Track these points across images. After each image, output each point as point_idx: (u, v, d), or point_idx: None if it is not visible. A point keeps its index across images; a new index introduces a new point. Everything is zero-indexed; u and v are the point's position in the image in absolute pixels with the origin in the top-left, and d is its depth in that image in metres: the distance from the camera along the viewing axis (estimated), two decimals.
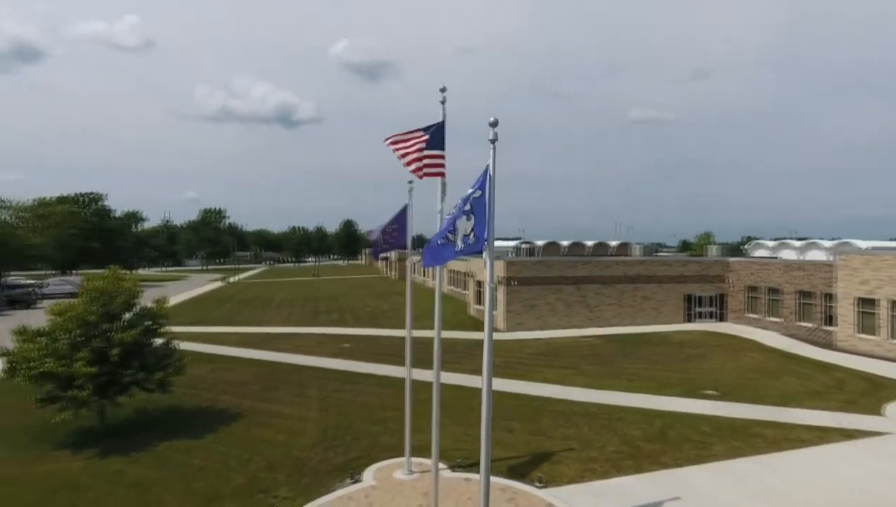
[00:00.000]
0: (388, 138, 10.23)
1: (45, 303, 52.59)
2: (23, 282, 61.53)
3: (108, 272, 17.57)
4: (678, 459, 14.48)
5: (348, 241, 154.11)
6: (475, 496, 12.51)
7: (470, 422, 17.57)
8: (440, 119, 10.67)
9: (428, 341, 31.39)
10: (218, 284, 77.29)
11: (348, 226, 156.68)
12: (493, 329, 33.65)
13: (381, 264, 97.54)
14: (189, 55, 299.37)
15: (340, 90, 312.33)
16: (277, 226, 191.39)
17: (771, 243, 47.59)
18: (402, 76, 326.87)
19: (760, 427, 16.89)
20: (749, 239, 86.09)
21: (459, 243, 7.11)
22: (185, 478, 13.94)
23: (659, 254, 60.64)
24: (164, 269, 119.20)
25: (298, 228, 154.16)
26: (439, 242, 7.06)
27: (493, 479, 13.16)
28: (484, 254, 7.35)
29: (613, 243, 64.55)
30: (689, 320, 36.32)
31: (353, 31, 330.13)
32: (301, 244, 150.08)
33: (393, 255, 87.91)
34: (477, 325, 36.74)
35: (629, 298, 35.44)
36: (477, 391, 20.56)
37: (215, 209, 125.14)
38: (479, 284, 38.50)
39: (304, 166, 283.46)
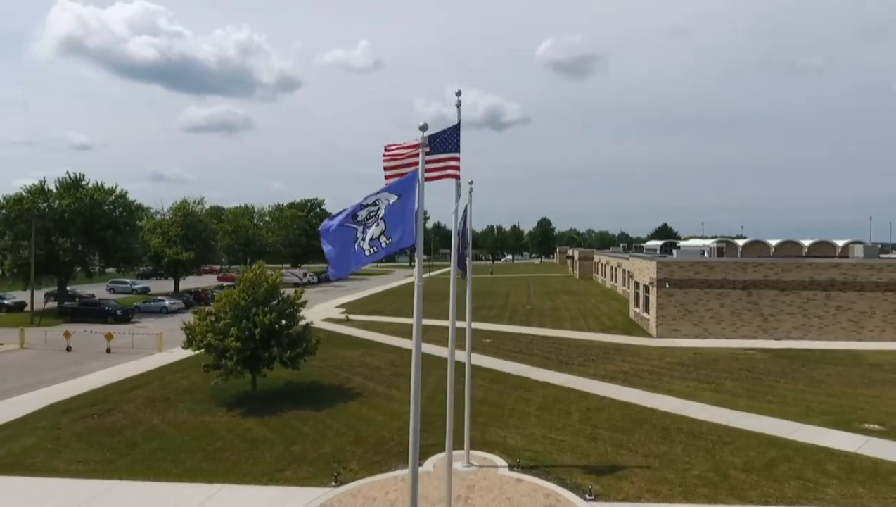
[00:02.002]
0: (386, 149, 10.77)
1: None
2: None
3: (256, 266, 21.23)
4: (768, 496, 12.36)
5: (543, 239, 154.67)
6: (515, 497, 12.50)
7: (558, 426, 17.22)
8: (455, 122, 10.98)
9: (562, 341, 31.16)
10: (412, 279, 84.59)
11: (544, 224, 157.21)
12: (645, 334, 31.88)
13: (568, 263, 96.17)
14: (409, 70, 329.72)
15: (546, 89, 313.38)
16: (480, 225, 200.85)
17: None
18: (609, 68, 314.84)
19: None
20: None
21: (368, 249, 7.49)
22: (289, 441, 16.39)
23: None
24: (377, 264, 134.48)
25: (495, 227, 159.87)
26: (355, 249, 7.47)
27: (541, 483, 13.05)
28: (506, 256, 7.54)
29: (840, 243, 54.17)
30: None
31: (556, 28, 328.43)
32: (497, 243, 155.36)
33: (576, 253, 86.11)
34: (630, 328, 34.59)
35: (818, 307, 29.77)
36: (586, 396, 20.03)
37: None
38: (638, 285, 36.10)
39: (510, 166, 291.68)
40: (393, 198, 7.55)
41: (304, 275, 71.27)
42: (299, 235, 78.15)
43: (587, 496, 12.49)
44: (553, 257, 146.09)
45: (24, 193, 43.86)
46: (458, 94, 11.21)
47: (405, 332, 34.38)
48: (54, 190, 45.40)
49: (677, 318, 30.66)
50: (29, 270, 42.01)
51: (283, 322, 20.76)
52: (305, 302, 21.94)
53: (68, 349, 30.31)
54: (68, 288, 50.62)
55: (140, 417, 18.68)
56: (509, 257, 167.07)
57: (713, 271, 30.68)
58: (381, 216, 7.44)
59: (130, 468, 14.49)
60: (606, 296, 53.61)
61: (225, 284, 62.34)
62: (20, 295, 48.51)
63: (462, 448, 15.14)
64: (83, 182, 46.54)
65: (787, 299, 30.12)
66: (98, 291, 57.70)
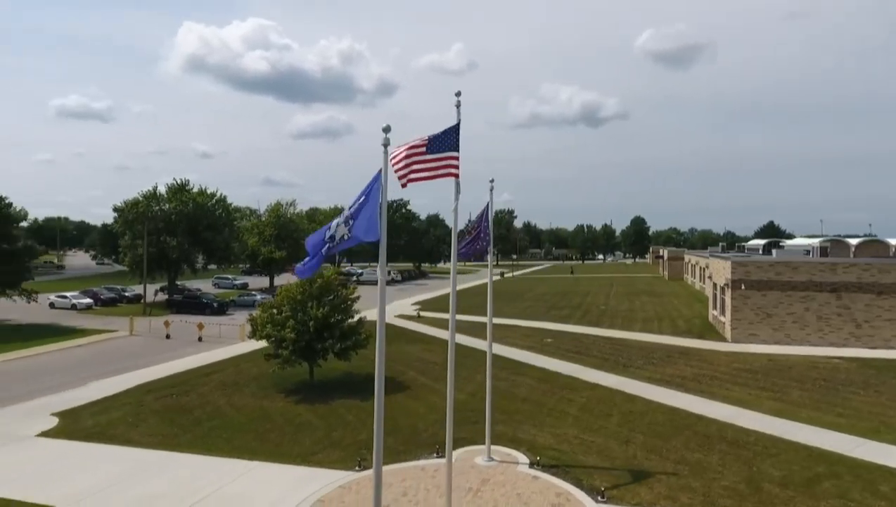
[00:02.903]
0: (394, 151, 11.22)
1: (360, 288, 67.74)
2: (346, 270, 79.28)
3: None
4: None
5: (637, 239, 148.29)
6: (525, 493, 12.62)
7: (594, 427, 16.96)
8: (455, 121, 11.30)
9: (627, 343, 30.77)
10: (496, 278, 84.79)
11: (637, 223, 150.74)
12: (720, 338, 30.84)
13: (658, 264, 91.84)
14: (503, 71, 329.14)
15: (646, 82, 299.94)
16: (570, 223, 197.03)
17: None
18: (715, 57, 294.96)
19: None
20: None
21: (327, 243, 8.05)
22: (330, 427, 17.49)
23: None
24: (465, 263, 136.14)
25: (586, 226, 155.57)
26: (322, 250, 8.08)
27: (556, 482, 13.11)
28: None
29: None
30: None
31: (657, 19, 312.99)
32: (587, 242, 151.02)
33: (666, 253, 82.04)
34: (704, 332, 32.67)
35: None
36: (633, 399, 19.47)
37: (506, 210, 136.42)
38: (716, 287, 34.00)
39: (606, 164, 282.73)
40: (361, 198, 8.10)
41: (388, 273, 73.77)
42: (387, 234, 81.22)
43: (599, 497, 12.31)
44: (647, 258, 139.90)
45: (139, 197, 49.49)
46: (458, 94, 11.55)
47: (469, 329, 34.84)
48: (164, 194, 50.71)
49: (754, 322, 28.55)
50: (149, 265, 47.31)
51: (339, 317, 22.02)
52: (358, 297, 23.10)
53: (167, 337, 33.87)
54: (178, 283, 56.22)
55: (209, 398, 20.67)
56: (600, 257, 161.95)
57: (797, 272, 28.23)
58: (348, 214, 8.01)
59: (189, 443, 16.20)
60: (691, 298, 50.78)
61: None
62: (138, 288, 54.65)
63: (493, 444, 15.39)
64: (188, 187, 51.63)
65: (886, 303, 27.05)
66: (205, 286, 63.48)
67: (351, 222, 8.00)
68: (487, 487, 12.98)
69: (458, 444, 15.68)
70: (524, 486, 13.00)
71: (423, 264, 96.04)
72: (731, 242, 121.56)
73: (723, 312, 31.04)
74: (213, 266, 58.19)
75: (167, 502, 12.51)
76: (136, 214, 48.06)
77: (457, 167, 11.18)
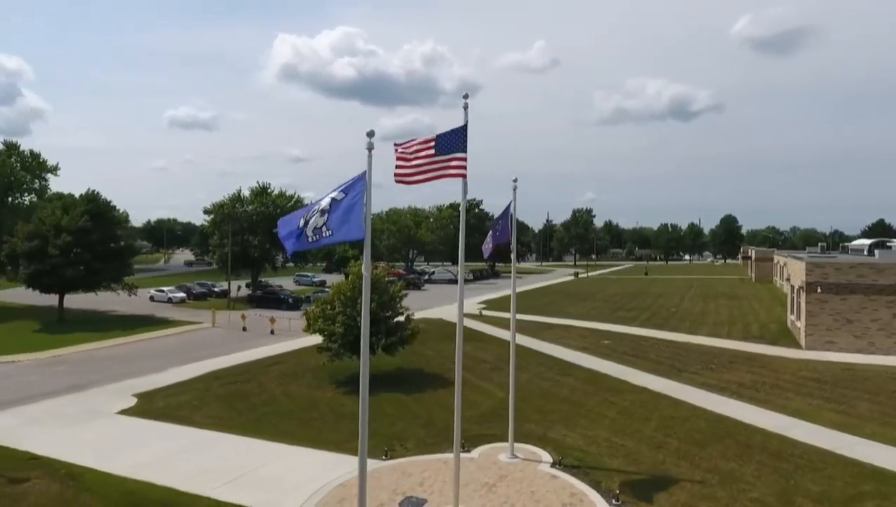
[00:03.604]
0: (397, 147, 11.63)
1: (428, 286, 69.13)
2: (418, 270, 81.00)
3: (358, 264, 23.65)
4: None
5: (727, 238, 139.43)
6: (539, 491, 12.73)
7: (628, 431, 16.64)
8: (463, 122, 11.59)
9: (688, 347, 30.18)
10: (569, 278, 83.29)
11: (728, 222, 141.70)
12: (795, 345, 29.71)
13: (746, 265, 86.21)
14: (587, 66, 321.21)
15: (743, 72, 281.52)
16: (653, 222, 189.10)
17: None
18: (823, 42, 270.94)
19: None
20: None
21: (311, 236, 8.61)
22: (370, 419, 18.21)
23: None
24: (541, 263, 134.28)
25: (670, 225, 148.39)
26: (297, 232, 8.68)
27: (574, 483, 13.20)
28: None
29: None
30: None
31: (754, 3, 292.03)
32: (671, 242, 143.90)
33: (753, 254, 76.88)
34: (778, 338, 30.54)
35: None
36: (679, 405, 18.83)
37: (585, 209, 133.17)
38: (793, 289, 31.68)
39: (696, 159, 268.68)
40: (341, 196, 8.65)
41: None
42: (455, 234, 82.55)
43: (613, 500, 12.17)
44: (739, 259, 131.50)
45: (225, 200, 53.50)
46: (466, 96, 11.82)
47: (527, 329, 34.73)
48: (248, 197, 54.47)
49: (833, 328, 26.35)
50: (233, 263, 51.12)
51: (386, 313, 22.89)
52: (405, 295, 23.86)
53: (244, 330, 36.49)
54: (262, 279, 60.12)
55: (267, 387, 22.23)
56: (686, 257, 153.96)
57: (882, 275, 25.72)
58: (325, 210, 8.59)
59: (242, 426, 17.60)
60: (775, 302, 47.40)
61: (390, 278, 68.40)
62: (227, 284, 59.02)
63: (521, 442, 15.54)
64: (269, 190, 55.13)
65: None
66: (286, 282, 67.34)
67: (326, 217, 8.54)
68: (504, 483, 13.18)
69: (486, 440, 16.04)
70: (540, 484, 13.07)
71: (496, 264, 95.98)
72: (837, 241, 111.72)
73: (798, 316, 28.90)
74: (290, 264, 61.64)
75: (210, 476, 13.77)
76: (222, 215, 51.97)
77: (464, 168, 11.46)
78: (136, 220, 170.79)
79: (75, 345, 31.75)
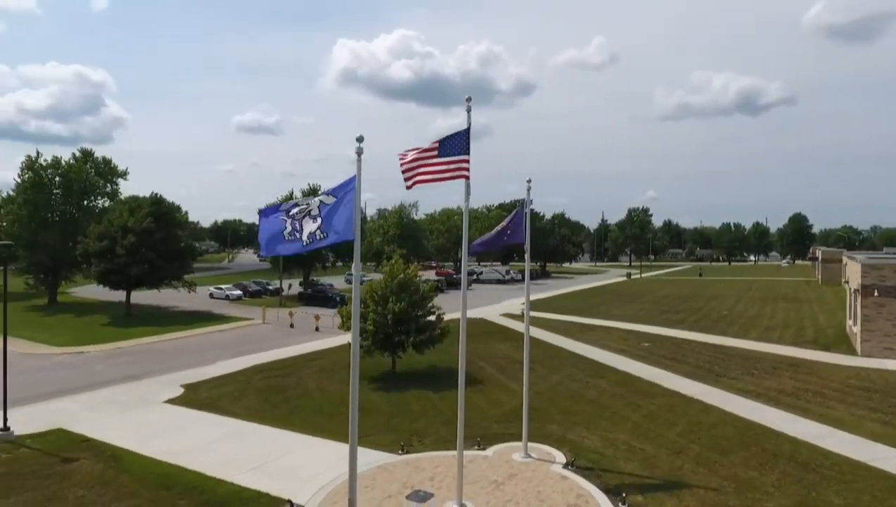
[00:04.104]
0: (401, 157, 11.96)
1: (475, 286, 69.29)
2: (473, 270, 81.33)
3: (392, 261, 24.26)
4: None
5: (796, 238, 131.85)
6: (545, 491, 12.84)
7: (650, 435, 16.43)
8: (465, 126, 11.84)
9: (731, 351, 29.73)
10: (621, 279, 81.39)
11: (797, 221, 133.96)
12: (850, 351, 28.92)
13: (813, 266, 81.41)
14: (649, 61, 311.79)
15: (818, 62, 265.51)
16: (715, 221, 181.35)
17: None
18: None
19: None
20: None
21: (305, 240, 9.03)
22: (393, 414, 18.82)
23: None
24: (595, 264, 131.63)
25: (733, 224, 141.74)
26: (285, 237, 9.10)
27: (582, 484, 13.27)
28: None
29: None
30: None
31: None
32: (734, 242, 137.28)
33: (819, 254, 72.52)
34: (833, 344, 28.86)
35: None
36: (708, 410, 18.34)
37: (640, 208, 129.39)
38: (850, 292, 29.85)
39: (765, 154, 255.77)
40: (330, 200, 9.09)
41: (507, 273, 74.51)
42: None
43: (621, 503, 12.09)
44: (808, 260, 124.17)
45: (278, 201, 55.70)
46: (469, 99, 12.05)
47: (568, 331, 34.42)
48: (299, 198, 56.49)
49: (891, 334, 24.65)
50: (284, 263, 53.25)
51: (417, 312, 23.37)
52: (436, 294, 24.26)
53: (291, 326, 38.00)
54: (314, 278, 62.21)
55: (304, 381, 23.18)
56: (751, 258, 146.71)
57: None
58: (315, 214, 9.04)
59: (274, 417, 18.50)
60: (839, 305, 44.58)
61: (439, 277, 69.24)
62: (280, 282, 61.47)
63: (539, 443, 15.62)
64: (318, 191, 56.92)
65: None
66: (338, 281, 69.33)
67: (320, 222, 8.98)
68: (512, 481, 13.32)
69: (504, 440, 16.20)
70: (549, 484, 13.13)
71: (547, 264, 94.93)
72: None
73: (855, 321, 27.24)
74: (340, 264, 63.45)
75: (237, 463, 14.63)
76: None
77: (468, 170, 11.70)
78: (205, 220, 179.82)
79: (137, 338, 34.10)
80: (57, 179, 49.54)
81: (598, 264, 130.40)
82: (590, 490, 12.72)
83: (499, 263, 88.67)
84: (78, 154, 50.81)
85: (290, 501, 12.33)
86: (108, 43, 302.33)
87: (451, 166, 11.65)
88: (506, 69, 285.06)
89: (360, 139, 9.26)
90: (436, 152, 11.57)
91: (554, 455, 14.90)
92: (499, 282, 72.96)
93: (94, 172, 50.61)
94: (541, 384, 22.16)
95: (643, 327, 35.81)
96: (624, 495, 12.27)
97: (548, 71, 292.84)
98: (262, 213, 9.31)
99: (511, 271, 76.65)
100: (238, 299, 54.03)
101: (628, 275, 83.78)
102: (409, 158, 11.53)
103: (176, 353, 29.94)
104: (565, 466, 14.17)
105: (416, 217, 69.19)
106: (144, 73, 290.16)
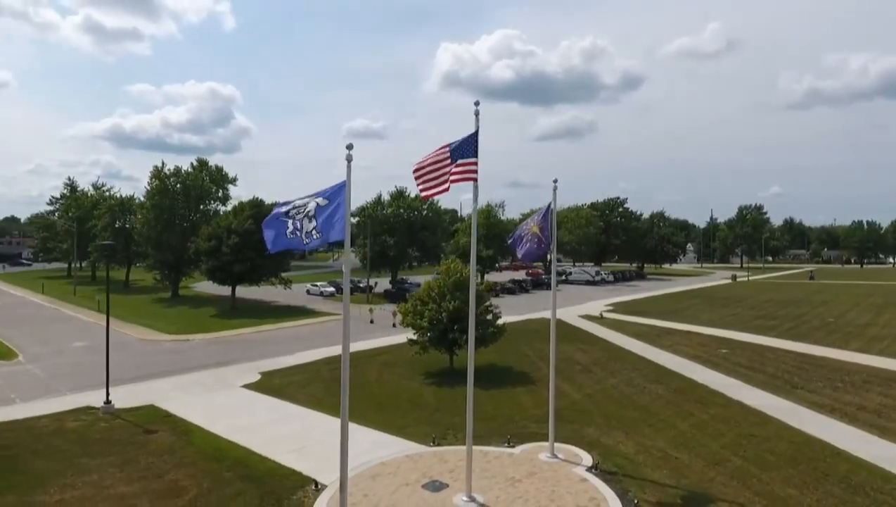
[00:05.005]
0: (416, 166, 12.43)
1: (563, 287, 68.06)
2: (560, 270, 79.96)
3: (446, 261, 24.90)
4: None
5: None
6: (559, 490, 12.96)
7: (691, 444, 15.90)
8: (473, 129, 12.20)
9: (819, 362, 28.46)
10: (724, 281, 76.09)
11: None
12: None
13: None
14: (771, 45, 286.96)
15: None
16: (845, 218, 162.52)
17: None
18: None
19: None
20: None
21: (304, 239, 9.82)
22: (437, 408, 19.53)
23: None
24: (702, 265, 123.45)
25: (866, 222, 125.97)
26: (286, 233, 9.92)
27: (600, 488, 13.51)
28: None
29: None
30: None
31: None
32: (864, 242, 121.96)
33: None
34: None
35: None
36: (767, 423, 17.35)
37: (753, 205, 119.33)
38: None
39: None
40: (324, 201, 9.90)
41: (598, 273, 72.37)
42: (598, 233, 79.67)
43: (636, 501, 11.88)
44: None
45: (367, 204, 58.62)
46: (477, 104, 12.39)
47: (642, 333, 33.18)
48: (387, 200, 59.01)
49: None
50: (374, 261, 55.96)
51: (466, 309, 23.82)
52: (491, 293, 24.59)
53: (371, 322, 39.96)
54: (402, 277, 64.53)
55: (366, 374, 24.55)
56: (890, 260, 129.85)
57: None
58: (311, 215, 9.88)
59: (328, 405, 19.87)
60: None
61: (526, 278, 69.06)
62: (372, 280, 64.54)
63: (571, 444, 15.63)
64: (405, 193, 59.07)
65: None
66: (425, 279, 71.38)
67: (315, 222, 9.81)
68: (530, 480, 13.47)
69: (537, 439, 16.33)
70: (565, 485, 13.14)
71: (645, 266, 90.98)
72: None
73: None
74: (427, 263, 65.23)
75: (283, 444, 16.06)
76: (364, 218, 57.02)
77: (476, 172, 12.11)
78: None
79: (236, 329, 37.64)
80: (178, 186, 55.72)
81: (704, 265, 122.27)
82: (604, 494, 12.58)
83: (591, 263, 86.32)
84: (195, 163, 56.80)
85: (315, 481, 13.42)
86: (236, 59, 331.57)
87: (461, 169, 12.10)
88: (611, 63, 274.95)
89: (349, 147, 10.03)
90: (448, 158, 12.07)
91: (581, 457, 14.80)
92: (588, 283, 71.17)
93: (209, 180, 56.22)
94: (593, 387, 21.82)
95: (729, 332, 33.58)
96: (636, 502, 12.03)
97: (657, 62, 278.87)
98: (265, 224, 10.34)
99: (602, 272, 74.40)
100: (331, 295, 57.40)
101: (733, 277, 78.03)
102: (426, 164, 12.09)
103: (264, 343, 32.73)
104: (589, 469, 14.06)
105: (502, 217, 69.25)
106: (266, 86, 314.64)
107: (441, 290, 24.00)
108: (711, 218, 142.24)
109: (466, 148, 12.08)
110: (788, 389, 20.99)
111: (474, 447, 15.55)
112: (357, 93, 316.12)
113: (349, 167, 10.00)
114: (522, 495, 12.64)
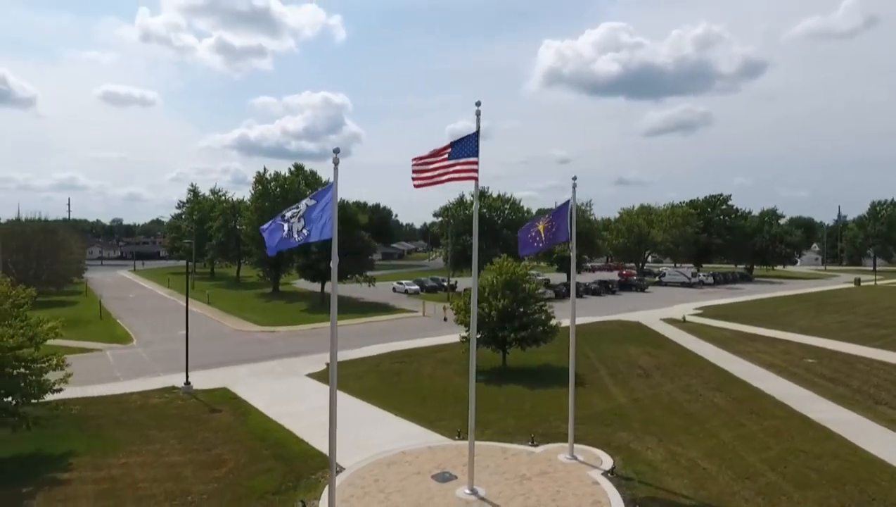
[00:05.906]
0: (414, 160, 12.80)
1: (653, 288, 64.78)
2: (653, 270, 76.18)
3: (498, 262, 25.02)
4: None
5: None
6: (565, 490, 12.94)
7: (728, 455, 15.14)
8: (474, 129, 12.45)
9: None
10: (846, 285, 68.44)
11: None
12: None
13: None
14: None
15: None
16: None
17: None
18: None
19: None
20: None
21: (296, 236, 10.56)
22: (479, 407, 19.65)
23: None
24: (825, 267, 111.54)
25: None
26: (282, 235, 10.68)
27: (611, 492, 13.44)
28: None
29: None
30: None
31: None
32: None
33: None
34: None
35: None
36: (828, 439, 16.08)
37: (891, 201, 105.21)
38: None
39: None
40: (311, 202, 10.69)
41: (694, 275, 68.01)
42: (696, 233, 74.63)
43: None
44: None
45: (450, 204, 59.75)
46: (478, 104, 12.61)
47: (722, 339, 31.10)
48: (469, 200, 59.73)
49: None
50: (456, 261, 57.07)
51: (521, 309, 23.89)
52: (544, 292, 24.43)
53: (444, 320, 40.87)
54: None
55: (420, 369, 25.40)
56: None
57: None
58: (301, 215, 10.70)
59: (375, 396, 20.95)
60: None
61: (619, 279, 66.87)
62: (448, 278, 65.71)
63: (597, 448, 15.42)
64: (487, 193, 59.46)
65: None
66: None
67: (304, 222, 10.62)
68: (539, 478, 13.49)
69: (561, 439, 16.12)
70: (574, 486, 13.02)
71: (755, 267, 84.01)
72: None
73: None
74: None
75: (321, 429, 16.46)
76: (447, 218, 58.23)
77: (476, 171, 12.38)
78: (419, 222, 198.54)
79: (319, 323, 40.20)
80: (277, 189, 60.38)
81: (828, 267, 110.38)
82: (611, 499, 12.33)
83: (690, 264, 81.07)
84: (293, 168, 61.23)
85: (337, 463, 14.36)
86: (347, 68, 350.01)
87: (461, 168, 12.44)
88: (728, 49, 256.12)
89: (336, 151, 10.75)
90: (447, 154, 12.47)
91: (601, 461, 14.52)
92: (683, 285, 67.23)
93: (304, 183, 60.34)
94: (645, 392, 21.03)
95: (823, 340, 30.52)
96: (643, 501, 11.69)
97: (781, 46, 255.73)
98: (263, 229, 11.32)
99: (700, 274, 69.87)
100: (416, 293, 59.28)
101: (856, 281, 69.88)
102: (425, 158, 12.59)
103: (341, 337, 34.28)
104: (605, 473, 13.78)
105: (591, 218, 67.27)
106: (374, 92, 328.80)
107: (493, 288, 24.26)
108: (839, 215, 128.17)
109: (467, 147, 12.39)
110: (869, 404, 18.91)
111: (495, 444, 15.98)
112: (459, 95, 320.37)
113: (336, 169, 10.73)
114: (526, 492, 12.72)
